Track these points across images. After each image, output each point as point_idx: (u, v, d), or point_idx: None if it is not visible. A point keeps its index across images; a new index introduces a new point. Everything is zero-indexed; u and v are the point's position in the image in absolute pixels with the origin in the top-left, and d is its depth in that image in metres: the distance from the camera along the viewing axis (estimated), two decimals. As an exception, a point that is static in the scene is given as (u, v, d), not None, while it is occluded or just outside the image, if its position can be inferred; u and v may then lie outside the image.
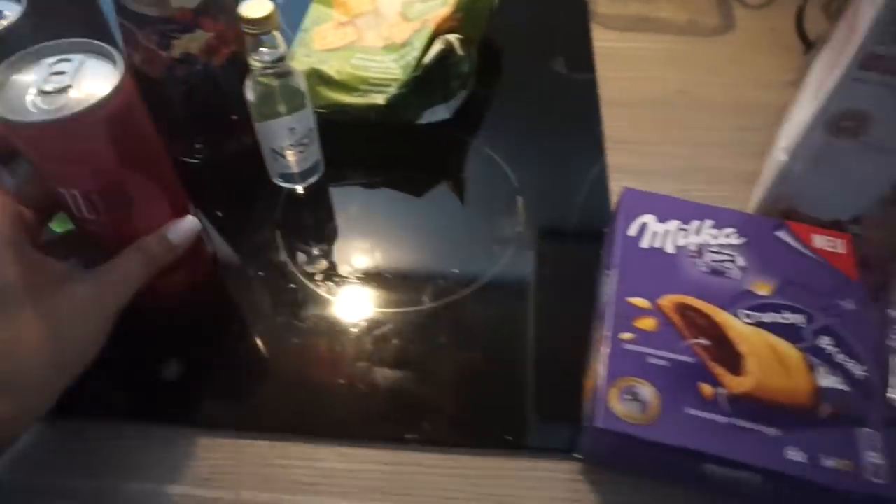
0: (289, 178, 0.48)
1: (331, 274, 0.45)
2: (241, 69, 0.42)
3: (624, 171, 0.51)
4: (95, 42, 0.33)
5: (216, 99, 0.47)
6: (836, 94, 0.37)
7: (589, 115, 0.55)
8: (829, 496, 0.32)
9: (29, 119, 0.30)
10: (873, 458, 0.32)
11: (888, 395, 0.37)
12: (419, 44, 0.48)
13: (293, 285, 0.44)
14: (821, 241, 0.40)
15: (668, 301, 0.37)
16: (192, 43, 0.43)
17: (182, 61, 0.44)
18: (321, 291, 0.44)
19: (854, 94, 0.36)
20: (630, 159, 0.52)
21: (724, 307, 0.37)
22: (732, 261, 0.39)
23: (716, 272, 0.38)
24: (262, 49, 0.40)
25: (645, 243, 0.40)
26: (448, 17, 0.49)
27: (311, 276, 0.45)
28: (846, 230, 0.44)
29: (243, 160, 0.49)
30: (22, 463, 0.37)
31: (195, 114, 0.48)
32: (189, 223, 0.38)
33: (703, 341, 0.35)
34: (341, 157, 0.50)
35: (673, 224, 0.41)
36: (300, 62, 0.50)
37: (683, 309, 0.37)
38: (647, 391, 0.34)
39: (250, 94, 0.42)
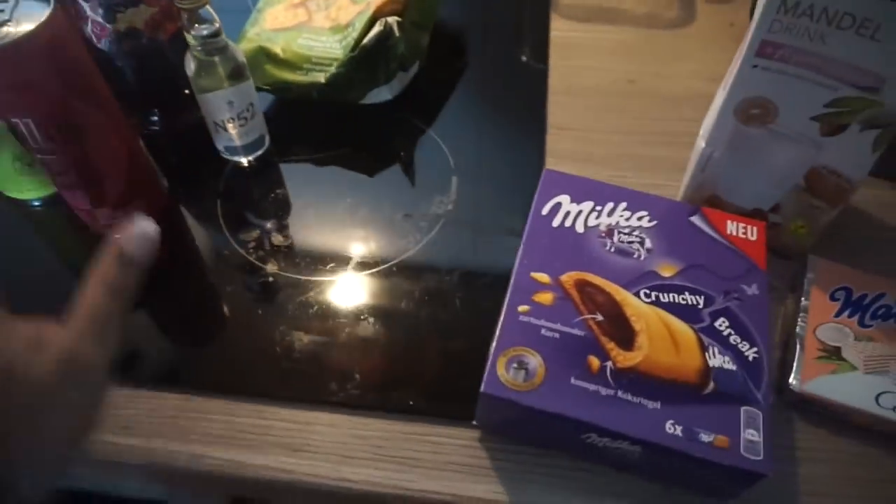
0: (233, 150, 0.50)
1: (262, 243, 0.47)
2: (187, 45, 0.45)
3: (561, 157, 0.52)
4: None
5: (166, 73, 0.49)
6: (738, 81, 0.38)
7: (536, 102, 0.56)
8: (706, 469, 0.33)
9: None
10: (752, 435, 0.33)
11: (790, 381, 0.38)
12: (360, 25, 0.50)
13: (226, 252, 0.46)
14: (734, 227, 0.41)
15: (569, 277, 0.38)
16: (136, 17, 0.45)
17: (127, 35, 0.46)
18: (252, 258, 0.46)
19: (754, 81, 0.37)
20: (569, 145, 0.53)
21: (625, 286, 0.37)
22: (641, 243, 0.40)
23: (622, 252, 0.39)
24: (197, 24, 0.42)
25: (556, 222, 0.41)
26: (389, 0, 0.50)
27: (244, 244, 0.47)
28: (768, 219, 0.44)
29: (196, 133, 0.51)
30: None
31: (147, 87, 0.50)
32: (140, 229, 0.31)
33: (599, 317, 0.36)
34: (287, 134, 0.52)
35: (587, 205, 0.42)
36: (249, 40, 0.52)
37: (583, 285, 0.38)
38: (534, 361, 0.35)
39: (189, 67, 0.44)
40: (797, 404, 0.38)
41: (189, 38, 0.43)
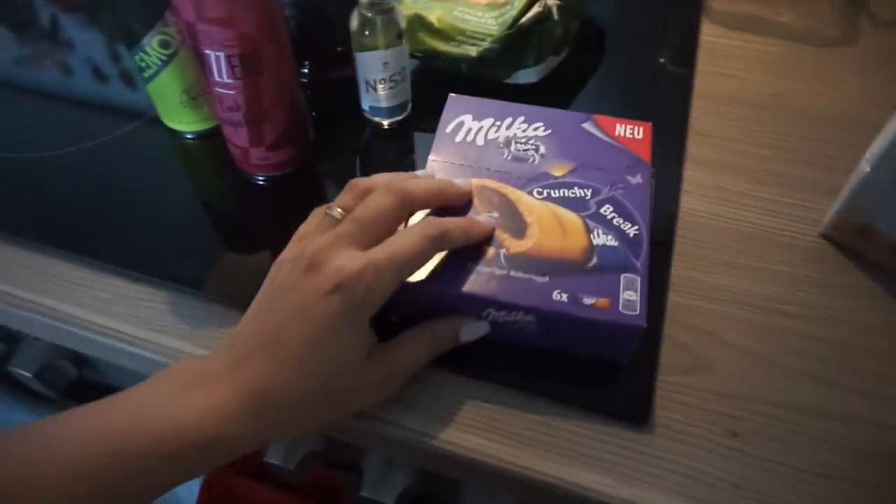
0: (377, 111, 0.51)
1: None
2: (351, 3, 0.46)
3: (701, 163, 0.51)
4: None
5: (325, 29, 0.51)
6: (928, 104, 0.36)
7: (674, 105, 0.55)
8: (592, 329, 0.37)
9: None
10: (630, 296, 0.36)
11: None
12: (518, 4, 0.50)
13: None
14: (622, 129, 0.45)
15: (468, 184, 0.41)
16: (311, -29, 0.47)
17: (300, -13, 0.48)
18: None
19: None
20: (710, 152, 0.51)
21: (519, 187, 0.41)
22: (536, 149, 0.43)
23: (518, 159, 0.43)
24: (370, -17, 0.44)
25: (459, 138, 0.44)
26: (552, -18, 0.50)
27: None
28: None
29: (342, 90, 0.53)
30: None
31: (305, 39, 0.52)
32: (483, 328, 0.38)
33: (495, 214, 0.40)
34: (429, 103, 0.53)
35: (487, 121, 0.45)
36: (407, 6, 0.53)
37: (481, 189, 0.41)
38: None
39: (353, 24, 0.46)
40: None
41: (361, -4, 0.44)
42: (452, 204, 0.39)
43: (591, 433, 0.37)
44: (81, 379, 0.58)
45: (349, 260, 0.32)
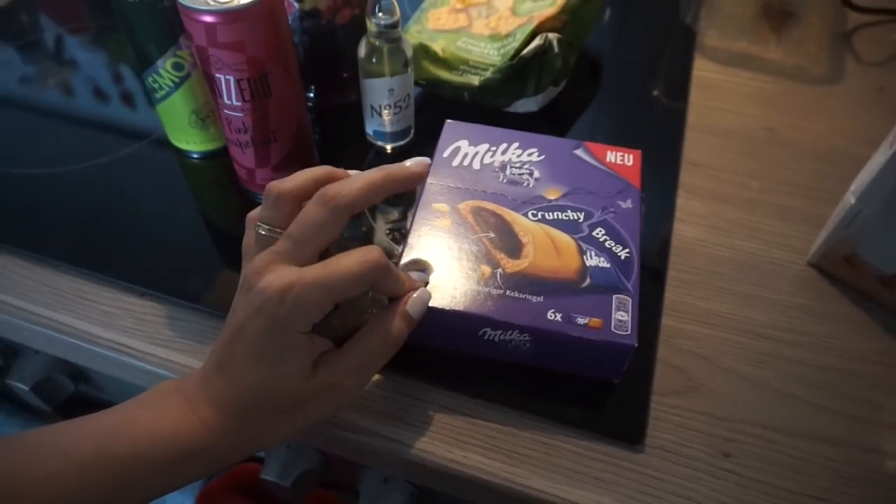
0: (381, 136, 0.53)
1: (401, 227, 0.49)
2: (358, 31, 0.48)
3: (693, 191, 0.52)
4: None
5: (332, 54, 0.53)
6: (910, 140, 0.38)
7: (671, 135, 0.57)
8: (585, 347, 0.37)
9: (206, 7, 0.38)
10: (621, 316, 0.38)
11: None
12: (521, 36, 0.52)
13: (364, 228, 0.49)
14: (613, 156, 0.46)
15: (465, 206, 0.43)
16: (321, 0, 0.49)
17: (309, 14, 0.50)
18: (388, 239, 0.48)
19: (928, 142, 0.37)
20: (702, 182, 0.53)
21: (514, 209, 0.43)
22: (530, 174, 0.45)
23: (513, 182, 0.44)
24: (379, 13, 0.45)
25: (455, 162, 0.46)
26: (552, 16, 0.52)
27: (384, 227, 0.49)
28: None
29: (346, 114, 0.54)
30: None
31: (313, 65, 0.54)
32: (425, 294, 0.37)
33: (491, 235, 0.41)
34: (431, 130, 0.54)
35: (483, 146, 0.47)
36: (412, 36, 0.55)
37: (478, 211, 0.43)
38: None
39: (362, 52, 0.47)
40: (920, 477, 0.37)
41: (369, 24, 0.46)
42: (406, 188, 0.37)
43: (588, 452, 0.38)
44: (77, 394, 0.58)
45: (276, 279, 0.32)
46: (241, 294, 0.34)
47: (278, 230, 0.35)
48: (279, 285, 0.32)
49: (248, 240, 0.36)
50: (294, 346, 0.33)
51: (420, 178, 0.38)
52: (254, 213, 0.37)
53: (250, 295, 0.33)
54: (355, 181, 0.35)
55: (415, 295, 0.37)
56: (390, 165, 0.37)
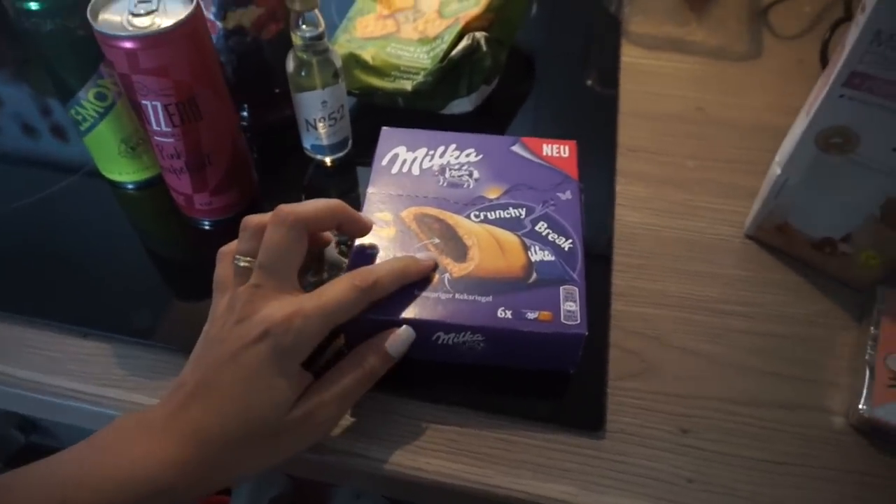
0: (319, 149, 0.52)
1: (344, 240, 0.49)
2: (286, 45, 0.47)
3: (632, 176, 0.53)
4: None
5: (262, 71, 0.52)
6: (823, 109, 0.39)
7: (606, 122, 0.58)
8: (537, 341, 0.38)
9: (125, 33, 0.37)
10: (570, 306, 0.38)
11: (860, 406, 0.39)
12: (449, 38, 0.52)
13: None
14: (549, 149, 0.47)
15: (408, 213, 0.43)
16: (244, 17, 0.48)
17: (234, 32, 0.49)
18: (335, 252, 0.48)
19: (839, 110, 0.39)
20: (640, 166, 0.54)
21: (457, 212, 0.43)
22: (470, 174, 0.45)
23: (453, 185, 0.45)
24: (303, 26, 0.45)
25: (395, 170, 0.46)
26: (478, 16, 0.53)
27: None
28: (838, 249, 0.45)
29: (282, 130, 0.54)
30: None
31: (243, 83, 0.53)
32: (406, 334, 0.38)
33: (436, 240, 0.41)
34: (369, 138, 0.54)
35: (421, 151, 0.47)
36: (341, 46, 0.55)
37: (421, 217, 0.43)
38: None
39: (290, 66, 0.47)
40: (867, 430, 0.39)
41: (295, 38, 0.45)
42: (354, 224, 0.39)
43: (551, 444, 0.39)
44: (30, 445, 0.56)
45: (277, 308, 0.34)
46: (229, 325, 0.34)
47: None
48: (284, 313, 0.33)
49: (222, 273, 0.38)
50: (288, 377, 0.33)
51: (368, 228, 0.40)
52: (227, 248, 0.38)
53: (248, 324, 0.33)
54: (309, 202, 0.37)
55: (396, 336, 0.37)
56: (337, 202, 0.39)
